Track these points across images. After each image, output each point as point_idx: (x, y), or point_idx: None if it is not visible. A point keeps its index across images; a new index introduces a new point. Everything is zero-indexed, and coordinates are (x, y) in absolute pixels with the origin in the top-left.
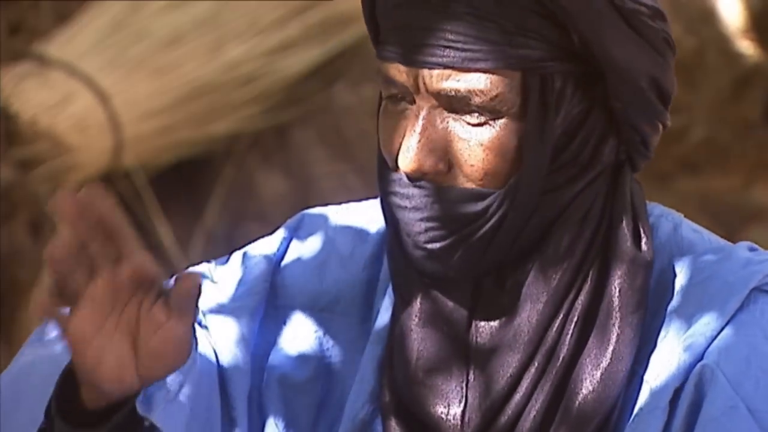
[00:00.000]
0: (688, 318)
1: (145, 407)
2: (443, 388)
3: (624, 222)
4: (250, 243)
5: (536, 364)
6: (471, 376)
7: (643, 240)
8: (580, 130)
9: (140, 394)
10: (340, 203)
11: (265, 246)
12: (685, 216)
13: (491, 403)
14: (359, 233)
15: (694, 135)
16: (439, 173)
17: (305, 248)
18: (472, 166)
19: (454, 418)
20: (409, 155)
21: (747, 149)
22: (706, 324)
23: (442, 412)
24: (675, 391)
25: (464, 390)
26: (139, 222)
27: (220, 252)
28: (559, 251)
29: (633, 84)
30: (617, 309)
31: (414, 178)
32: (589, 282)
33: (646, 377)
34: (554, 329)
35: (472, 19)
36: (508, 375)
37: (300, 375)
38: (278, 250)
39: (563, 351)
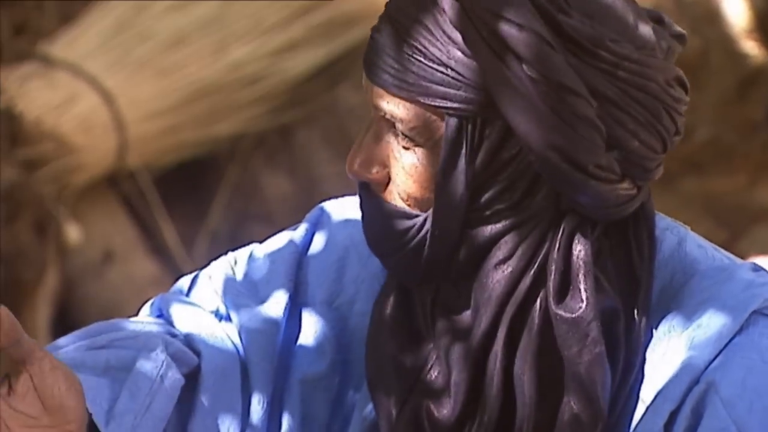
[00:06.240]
0: (687, 339)
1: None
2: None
3: (552, 277)
4: (261, 241)
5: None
6: (424, 376)
7: (583, 298)
8: (504, 173)
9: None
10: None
11: (290, 241)
12: (689, 217)
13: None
14: None
15: (698, 135)
16: (378, 182)
17: (326, 243)
18: (398, 185)
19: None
20: (349, 157)
21: (751, 149)
22: (703, 347)
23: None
24: (671, 414)
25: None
26: (144, 222)
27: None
28: (489, 281)
29: (537, 152)
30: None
31: (356, 178)
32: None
33: (642, 396)
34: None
35: (407, 48)
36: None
37: (318, 370)
38: (302, 245)
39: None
